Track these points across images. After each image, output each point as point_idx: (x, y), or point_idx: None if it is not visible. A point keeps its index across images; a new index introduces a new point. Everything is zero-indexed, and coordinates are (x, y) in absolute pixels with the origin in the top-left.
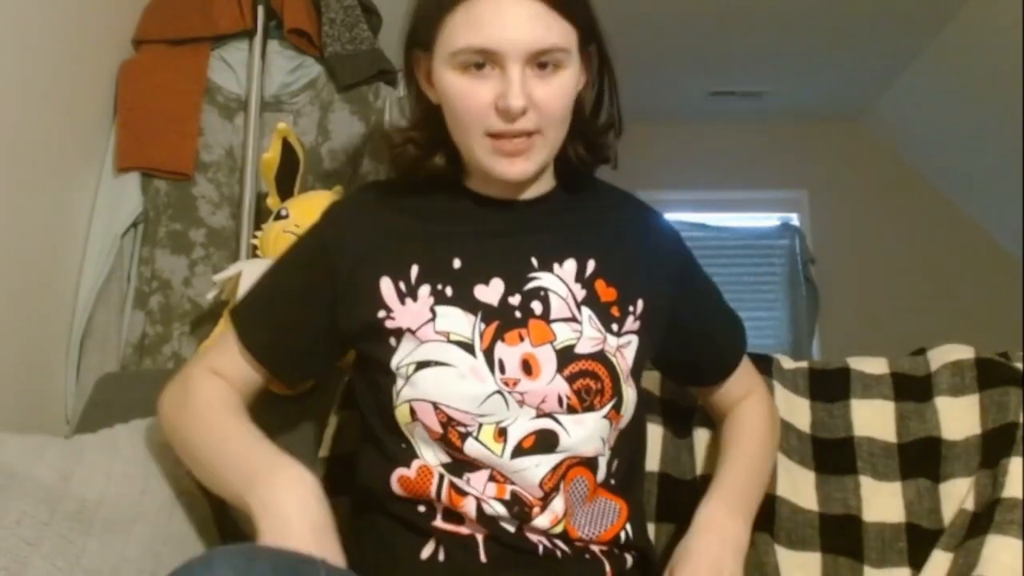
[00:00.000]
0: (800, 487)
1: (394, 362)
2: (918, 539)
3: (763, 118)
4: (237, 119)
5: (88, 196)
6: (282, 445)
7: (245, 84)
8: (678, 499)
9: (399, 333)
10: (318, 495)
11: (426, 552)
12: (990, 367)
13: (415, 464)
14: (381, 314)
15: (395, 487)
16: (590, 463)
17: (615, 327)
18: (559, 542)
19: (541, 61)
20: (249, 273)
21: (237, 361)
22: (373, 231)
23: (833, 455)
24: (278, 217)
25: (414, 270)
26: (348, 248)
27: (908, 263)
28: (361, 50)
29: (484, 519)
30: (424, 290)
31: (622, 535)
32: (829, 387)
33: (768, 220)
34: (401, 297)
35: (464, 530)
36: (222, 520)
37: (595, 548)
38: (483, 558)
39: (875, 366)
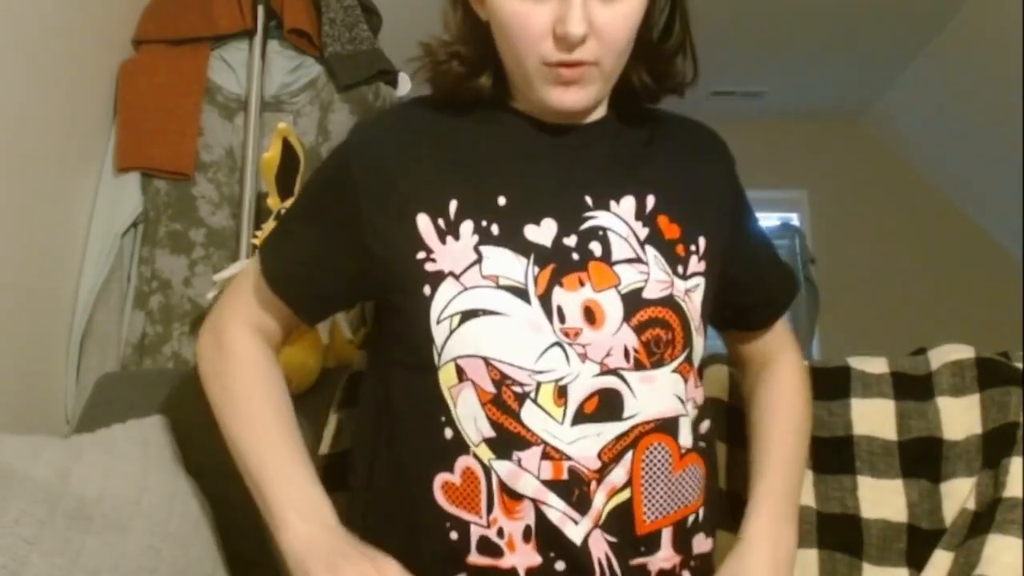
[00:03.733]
0: None
1: (433, 313)
2: (918, 540)
3: (763, 118)
4: (237, 119)
5: (88, 196)
6: None
7: (245, 84)
8: None
9: (439, 277)
10: (325, 525)
11: None
12: (990, 367)
13: (460, 464)
14: (420, 255)
15: (439, 497)
16: (669, 427)
17: (681, 268)
18: (615, 562)
19: None
20: None
21: (261, 299)
22: (405, 158)
23: (831, 454)
24: (278, 217)
25: (452, 205)
26: (377, 177)
27: (908, 263)
28: (361, 50)
29: (544, 529)
30: (466, 227)
31: (690, 519)
32: (829, 386)
33: (768, 220)
34: (441, 235)
35: (504, 563)
36: (221, 518)
37: (652, 569)
38: None
39: (875, 366)
